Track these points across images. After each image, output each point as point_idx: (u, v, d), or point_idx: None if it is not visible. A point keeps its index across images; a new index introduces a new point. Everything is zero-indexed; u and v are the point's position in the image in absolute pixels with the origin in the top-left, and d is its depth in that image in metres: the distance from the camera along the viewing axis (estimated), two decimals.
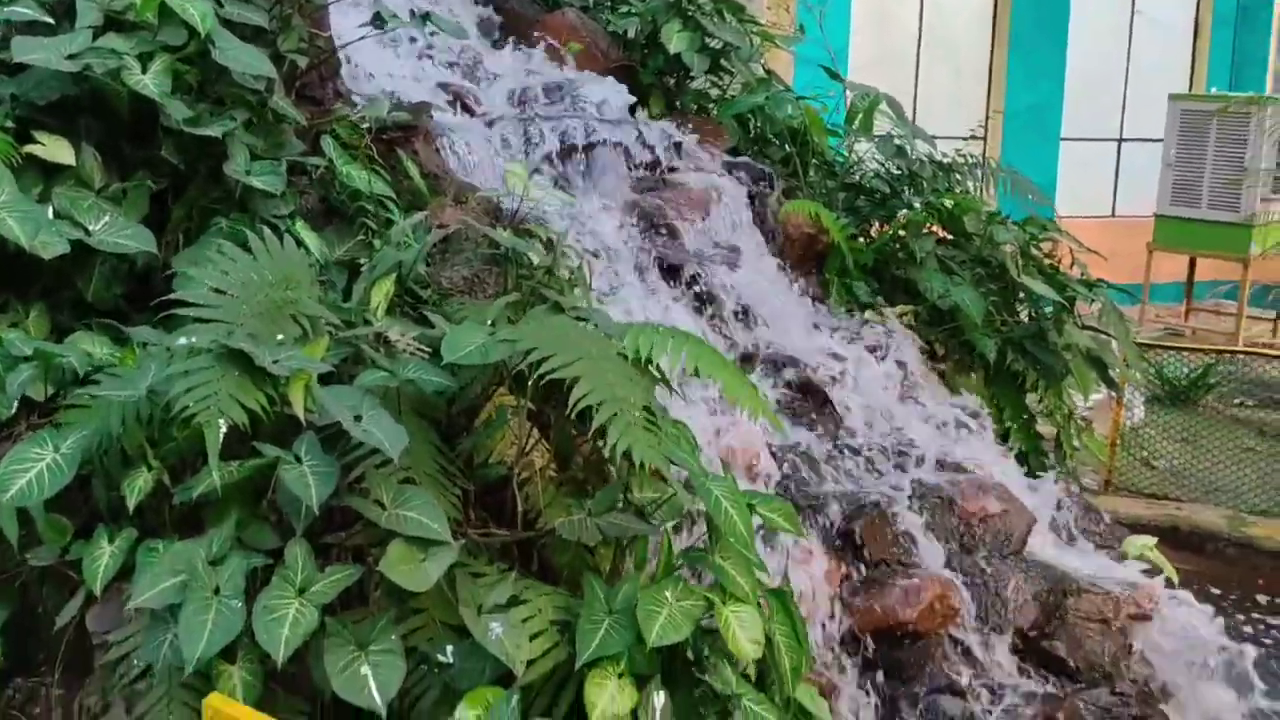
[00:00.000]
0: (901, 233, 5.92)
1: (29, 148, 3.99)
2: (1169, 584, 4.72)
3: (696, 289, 5.00)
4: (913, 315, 5.78)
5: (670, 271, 5.03)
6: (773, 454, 4.55)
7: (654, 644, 3.11)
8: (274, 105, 4.51)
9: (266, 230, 3.65)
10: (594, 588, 3.25)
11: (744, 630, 3.30)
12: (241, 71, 4.25)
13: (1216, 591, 6.26)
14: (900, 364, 5.44)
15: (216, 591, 2.93)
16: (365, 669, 2.98)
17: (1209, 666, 4.60)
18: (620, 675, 3.17)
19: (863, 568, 4.36)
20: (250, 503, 3.16)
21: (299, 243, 3.95)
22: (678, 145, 5.97)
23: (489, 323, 3.39)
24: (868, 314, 5.67)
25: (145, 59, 4.12)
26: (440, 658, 3.17)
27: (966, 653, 4.27)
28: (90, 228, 3.91)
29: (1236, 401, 9.86)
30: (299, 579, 2.96)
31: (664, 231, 5.18)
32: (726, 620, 3.30)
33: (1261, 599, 6.97)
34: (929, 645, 4.22)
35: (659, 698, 3.26)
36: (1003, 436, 5.79)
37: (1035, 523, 4.76)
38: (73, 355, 3.48)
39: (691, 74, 6.61)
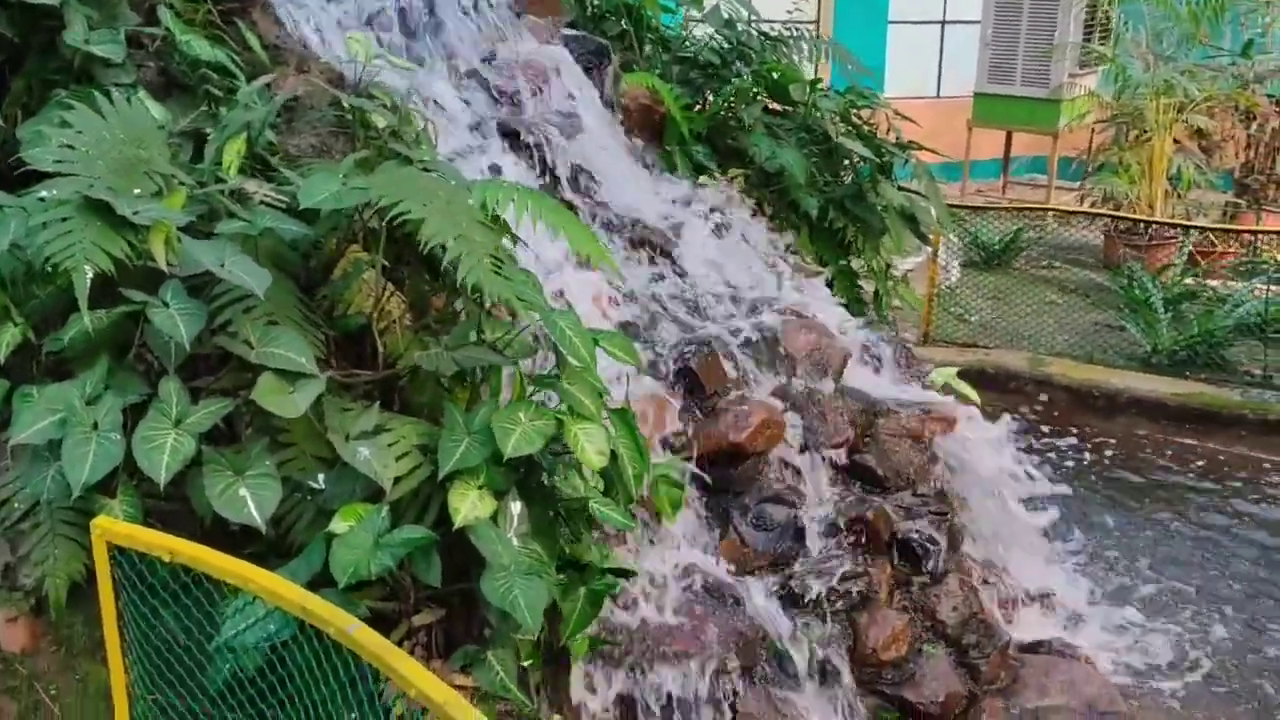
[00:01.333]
0: (732, 101, 6.27)
1: None
2: (968, 403, 5.34)
3: (537, 154, 5.26)
4: (744, 178, 6.17)
5: (511, 137, 5.26)
6: (616, 302, 4.90)
7: (510, 455, 3.46)
8: None
9: (115, 92, 3.75)
10: (453, 413, 3.57)
11: (591, 444, 3.68)
12: None
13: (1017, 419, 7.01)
14: (729, 223, 5.83)
15: (95, 426, 3.13)
16: (243, 491, 3.24)
17: (1003, 474, 5.26)
18: (480, 487, 3.52)
19: (700, 401, 4.79)
20: (118, 352, 3.34)
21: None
22: (517, 16, 6.14)
23: (341, 176, 3.60)
24: (703, 178, 6.03)
25: None
26: (312, 484, 3.46)
27: (793, 469, 4.77)
28: None
29: (1043, 264, 10.72)
30: (174, 412, 3.19)
31: (505, 99, 5.39)
32: (575, 435, 3.67)
33: (1054, 427, 7.83)
34: (758, 463, 4.70)
35: (515, 506, 3.63)
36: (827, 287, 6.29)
37: (850, 356, 5.28)
38: None
39: None
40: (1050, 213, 10.68)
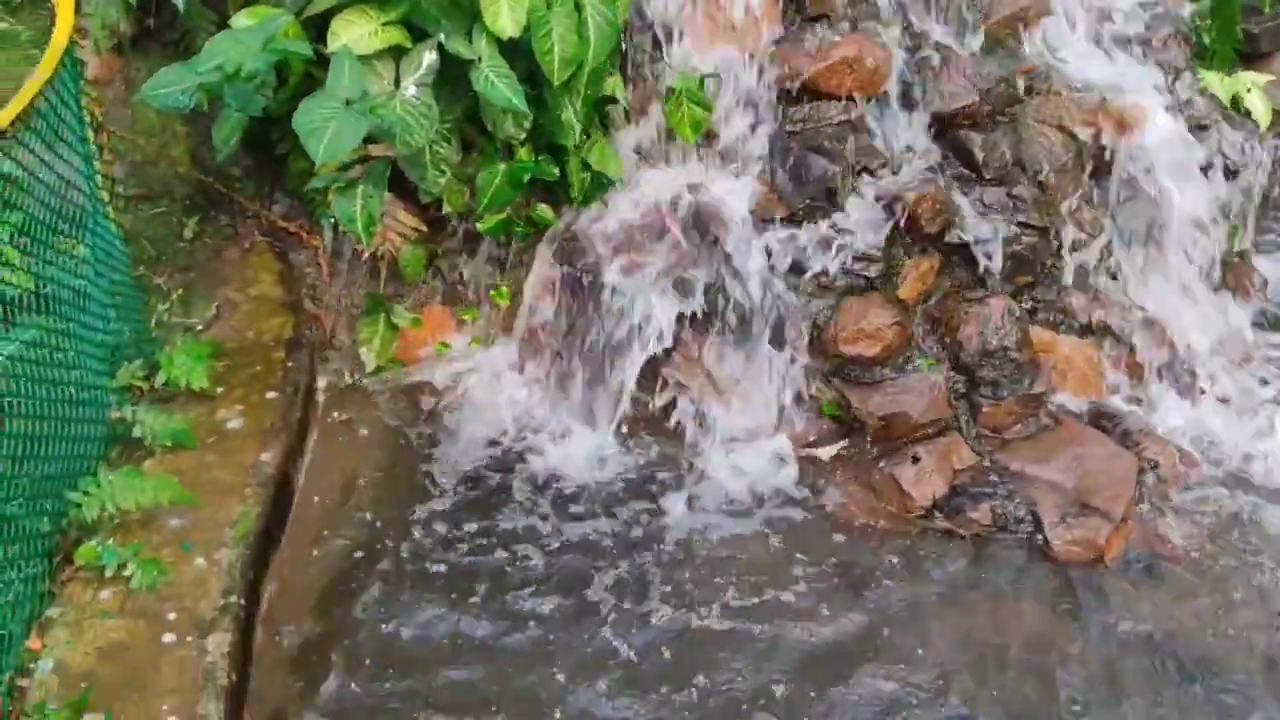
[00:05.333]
0: None
1: None
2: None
3: None
4: None
5: None
6: None
7: None
8: None
9: None
10: None
11: (508, 11, 3.46)
12: None
13: None
14: None
15: None
16: None
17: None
18: (385, 24, 3.53)
19: (801, 21, 4.14)
20: None
21: None
22: None
23: None
24: None
25: None
26: None
27: (874, 121, 4.05)
28: None
29: None
30: None
31: None
32: None
33: None
34: (825, 106, 4.05)
35: (429, 55, 3.59)
36: None
37: (1046, 14, 4.15)
38: None
39: None
40: None
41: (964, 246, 3.94)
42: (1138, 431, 3.91)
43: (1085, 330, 4.10)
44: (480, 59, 3.54)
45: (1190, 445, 3.91)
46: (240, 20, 3.57)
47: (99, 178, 3.65)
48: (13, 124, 2.88)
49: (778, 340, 3.93)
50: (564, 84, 3.71)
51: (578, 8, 3.61)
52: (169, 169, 4.08)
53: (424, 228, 3.97)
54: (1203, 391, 4.16)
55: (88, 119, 3.63)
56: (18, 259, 3.12)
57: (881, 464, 3.78)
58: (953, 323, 3.91)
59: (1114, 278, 4.15)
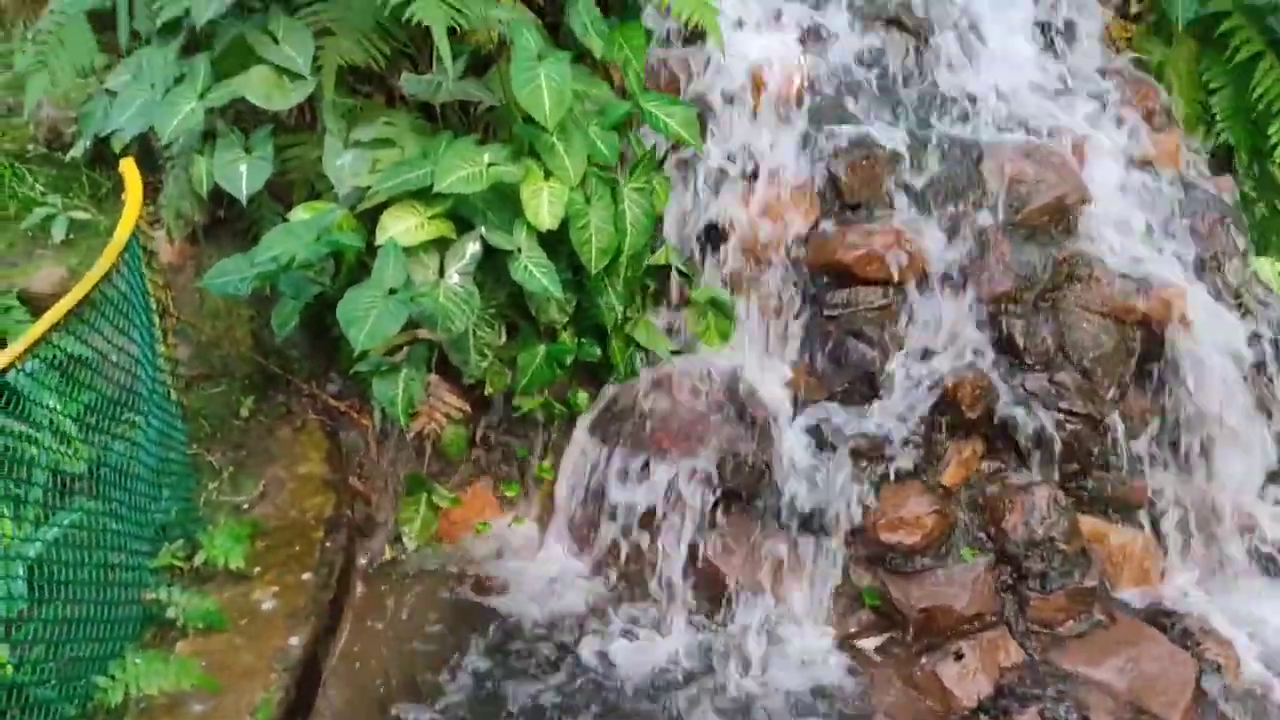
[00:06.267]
0: None
1: None
2: None
3: None
4: None
5: None
6: (811, 84, 4.40)
7: (441, 189, 3.57)
8: None
9: None
10: (428, 140, 3.72)
11: (547, 204, 3.61)
12: None
13: None
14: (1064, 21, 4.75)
15: (152, 87, 3.86)
16: (243, 167, 3.80)
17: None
18: (432, 217, 3.70)
19: (840, 208, 4.23)
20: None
21: None
22: None
23: None
24: None
25: None
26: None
27: (912, 307, 4.06)
28: None
29: None
30: (200, 86, 3.79)
31: None
32: (534, 191, 3.63)
33: None
34: (864, 291, 4.08)
35: (473, 246, 3.74)
36: (1205, 123, 4.87)
37: (1087, 201, 4.16)
38: None
39: None
40: None
41: (1007, 432, 3.88)
42: (1198, 630, 3.72)
43: (1138, 520, 3.96)
44: (520, 249, 3.67)
45: (1255, 643, 3.71)
46: (298, 214, 3.77)
47: (163, 360, 3.83)
48: (70, 312, 3.06)
49: (817, 526, 3.87)
50: (603, 270, 3.82)
51: (615, 200, 3.75)
52: (231, 349, 4.25)
53: (467, 408, 4.05)
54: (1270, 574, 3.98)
55: (154, 304, 3.84)
56: (80, 439, 3.27)
57: (924, 659, 3.65)
58: (997, 511, 3.82)
59: (1166, 466, 4.03)
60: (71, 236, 4.35)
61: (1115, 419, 3.91)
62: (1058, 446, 3.85)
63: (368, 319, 3.44)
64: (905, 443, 3.87)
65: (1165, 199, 4.39)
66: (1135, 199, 4.33)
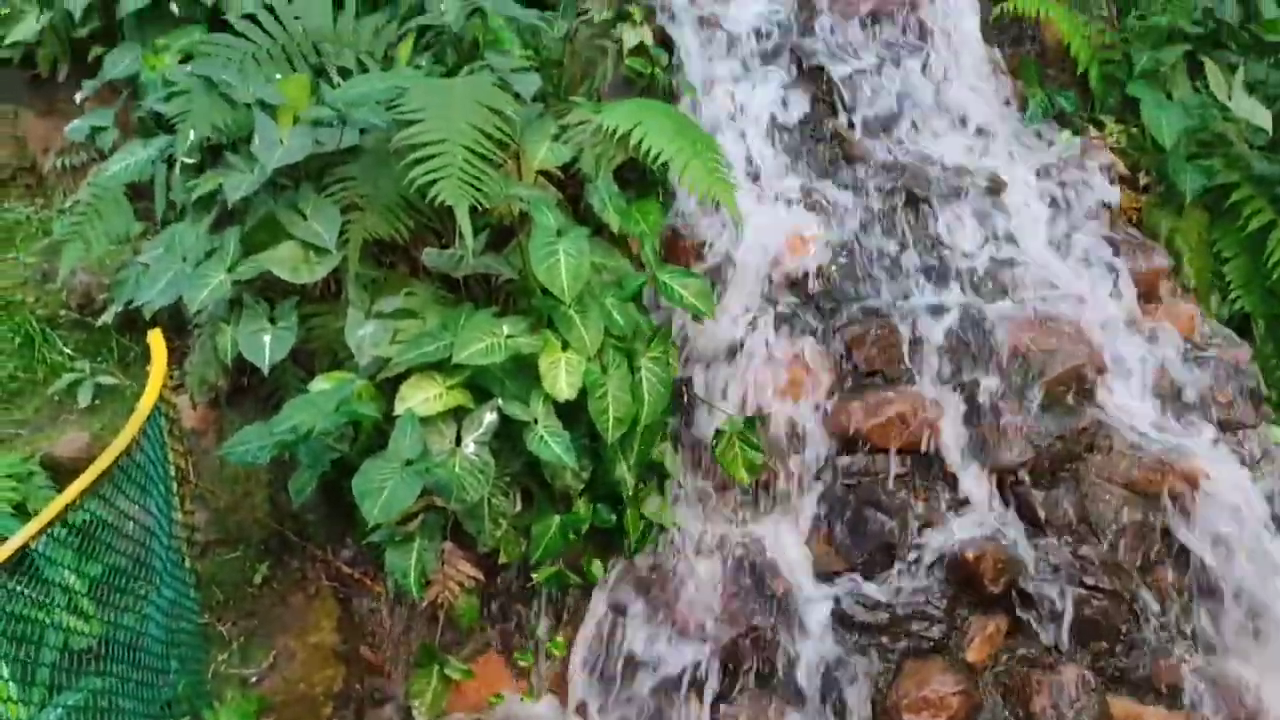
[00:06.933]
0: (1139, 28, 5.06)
1: None
2: None
3: (830, 88, 4.89)
4: (1123, 135, 5.02)
5: (799, 64, 4.97)
6: (825, 253, 4.48)
7: (459, 360, 3.62)
8: None
9: None
10: (449, 312, 3.79)
11: (564, 374, 3.65)
12: None
13: None
14: (1068, 191, 4.84)
15: (184, 260, 3.98)
16: (267, 338, 3.87)
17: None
18: (450, 387, 3.73)
19: (855, 376, 4.25)
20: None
21: None
22: None
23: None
24: (1064, 133, 5.05)
25: None
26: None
27: (930, 477, 4.04)
28: None
29: None
30: (229, 260, 3.90)
31: (811, 21, 5.08)
32: (551, 362, 3.67)
33: None
34: (882, 460, 4.06)
35: (489, 416, 3.76)
36: (1219, 291, 4.91)
37: (1103, 371, 4.17)
38: None
39: None
40: None
41: (1032, 607, 3.80)
42: None
43: (1173, 701, 3.83)
44: (536, 419, 3.69)
45: None
46: (319, 384, 3.82)
47: (179, 527, 3.84)
48: (92, 484, 3.08)
49: (837, 704, 3.77)
50: (619, 440, 3.83)
51: (633, 370, 3.78)
52: (248, 515, 4.26)
53: (480, 576, 4.00)
54: None
55: (174, 472, 3.87)
56: (92, 610, 3.25)
57: None
58: (1024, 692, 3.71)
59: (1199, 643, 3.91)
60: (97, 402, 4.42)
61: (1143, 594, 3.83)
62: (1085, 624, 3.75)
63: (382, 491, 3.45)
64: (927, 618, 3.80)
65: (1181, 368, 4.39)
66: (1150, 368, 4.33)
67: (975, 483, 4.04)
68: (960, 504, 4.02)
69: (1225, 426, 4.29)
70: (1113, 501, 3.96)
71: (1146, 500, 3.95)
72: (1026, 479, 4.01)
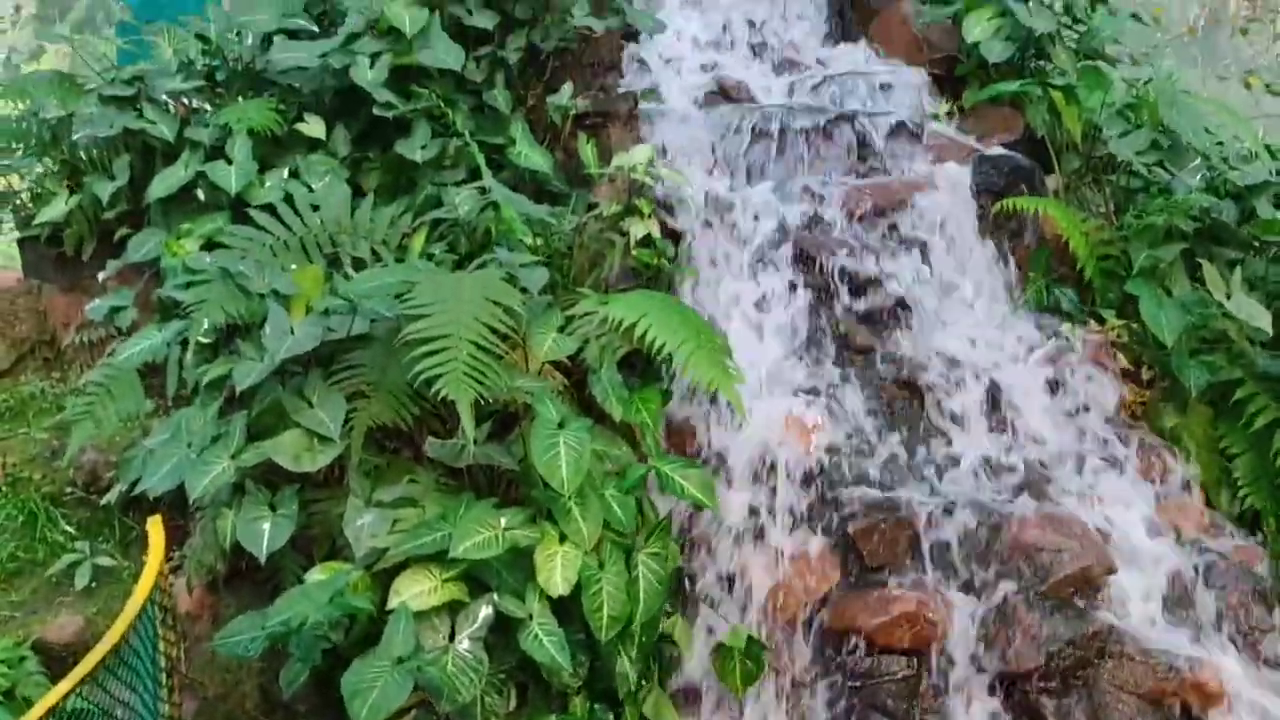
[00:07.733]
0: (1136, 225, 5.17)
1: (298, 125, 5.33)
2: None
3: (826, 276, 4.99)
4: (1125, 331, 5.08)
5: (802, 258, 5.07)
6: (826, 446, 4.48)
7: (455, 554, 3.60)
8: (486, 98, 5.48)
9: None
10: (449, 502, 3.79)
11: (560, 569, 3.62)
12: (432, 65, 5.25)
13: None
14: (1069, 383, 4.88)
15: (189, 446, 4.01)
16: (265, 525, 3.87)
17: None
18: (447, 580, 3.70)
19: (860, 571, 4.19)
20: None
21: None
22: (914, 134, 5.84)
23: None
24: (1064, 326, 5.11)
25: (375, 57, 5.27)
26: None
27: (937, 678, 3.93)
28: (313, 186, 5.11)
29: None
30: (233, 447, 3.92)
31: (816, 218, 5.22)
32: (548, 556, 3.64)
33: None
34: (887, 660, 3.97)
35: (485, 610, 3.72)
36: (1227, 488, 4.87)
37: (1113, 570, 4.10)
38: None
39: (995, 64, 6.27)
40: None
41: None
42: None
43: None
44: (530, 616, 3.64)
45: None
46: (314, 575, 3.79)
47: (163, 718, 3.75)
48: (79, 682, 3.04)
49: None
50: (616, 636, 3.76)
51: (629, 566, 3.75)
52: (237, 705, 4.16)
53: None
54: None
55: (164, 662, 3.81)
56: None
57: None
58: None
59: None
60: (94, 584, 4.38)
61: None
62: None
63: (372, 691, 3.38)
64: None
65: (1191, 569, 4.32)
66: (1161, 570, 4.26)
67: (983, 688, 3.93)
68: (970, 713, 3.89)
69: (1238, 630, 4.19)
70: (1127, 711, 3.84)
71: (1161, 710, 3.82)
72: (1037, 685, 3.90)
